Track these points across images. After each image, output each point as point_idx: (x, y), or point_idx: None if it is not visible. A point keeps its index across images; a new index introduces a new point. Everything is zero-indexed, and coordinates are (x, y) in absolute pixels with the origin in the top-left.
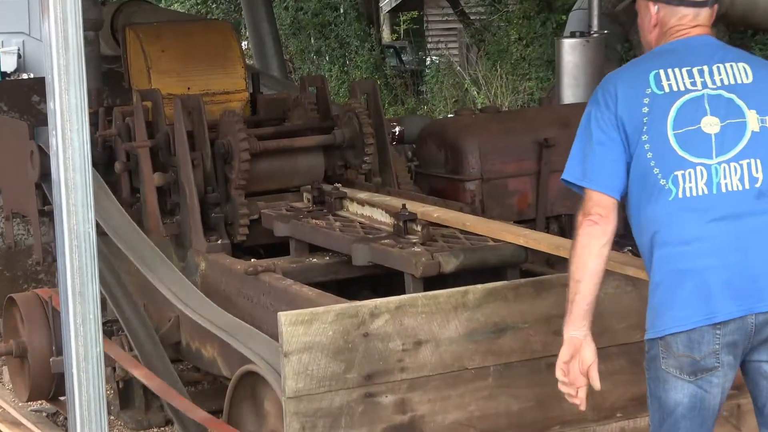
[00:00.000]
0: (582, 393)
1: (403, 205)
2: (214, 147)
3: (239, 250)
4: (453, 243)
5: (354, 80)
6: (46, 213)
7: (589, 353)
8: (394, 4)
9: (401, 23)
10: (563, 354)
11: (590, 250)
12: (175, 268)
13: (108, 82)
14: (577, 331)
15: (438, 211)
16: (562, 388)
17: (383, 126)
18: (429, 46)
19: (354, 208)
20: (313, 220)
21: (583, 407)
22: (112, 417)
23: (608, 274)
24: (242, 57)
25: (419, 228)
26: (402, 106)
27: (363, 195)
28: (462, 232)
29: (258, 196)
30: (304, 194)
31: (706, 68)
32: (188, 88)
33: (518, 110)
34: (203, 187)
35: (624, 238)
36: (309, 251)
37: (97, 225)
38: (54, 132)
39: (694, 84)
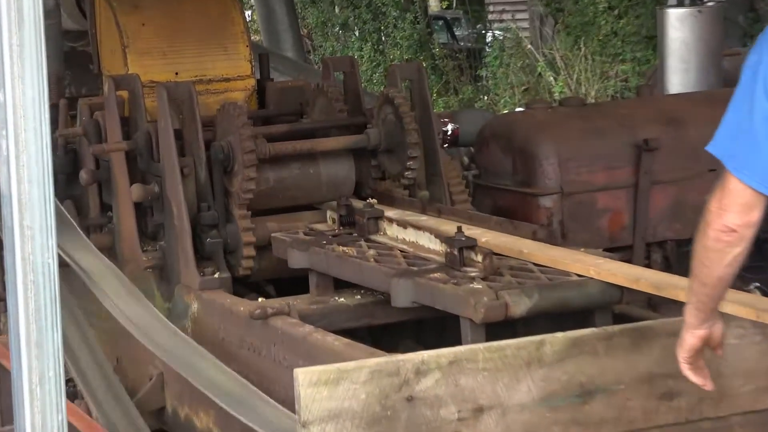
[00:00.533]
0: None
1: (459, 228)
2: (211, 151)
3: (243, 286)
4: (524, 278)
5: (393, 63)
6: None
7: (720, 329)
8: None
9: None
10: (689, 347)
11: (722, 259)
12: (157, 310)
13: (71, 66)
14: (704, 325)
15: (487, 234)
16: (693, 378)
17: (431, 123)
18: (490, 17)
19: (393, 231)
20: (340, 248)
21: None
22: None
23: (728, 318)
24: (246, 32)
25: (480, 258)
26: (456, 96)
27: (405, 214)
28: (537, 264)
29: (267, 215)
30: (328, 213)
31: None
32: (176, 74)
33: (609, 102)
34: (196, 204)
35: (750, 272)
36: (334, 288)
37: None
38: (4, 132)
39: None
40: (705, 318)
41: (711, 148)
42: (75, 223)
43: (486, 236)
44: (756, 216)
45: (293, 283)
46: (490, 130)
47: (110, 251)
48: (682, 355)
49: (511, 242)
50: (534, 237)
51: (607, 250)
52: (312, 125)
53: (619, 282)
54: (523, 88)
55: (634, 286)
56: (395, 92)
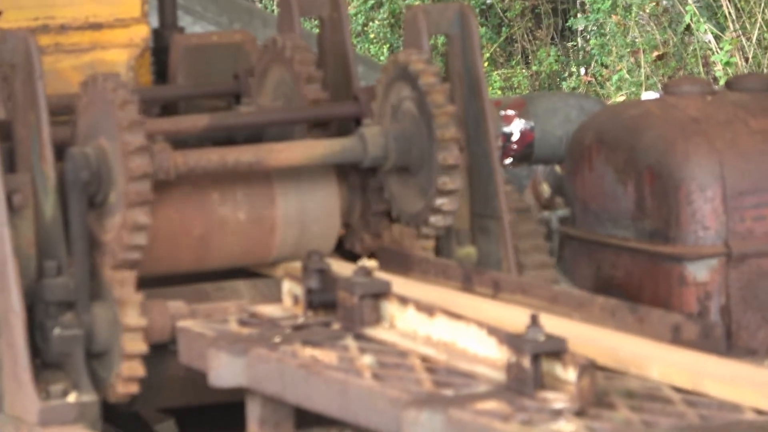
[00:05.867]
0: None
1: (533, 318)
2: (65, 163)
3: (122, 419)
4: (656, 414)
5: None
6: None
7: None
8: None
9: None
10: None
11: None
12: None
13: None
14: None
15: (585, 331)
16: None
17: (485, 118)
18: None
19: (409, 320)
20: (308, 349)
21: None
22: None
23: None
24: None
25: (571, 374)
26: (526, 66)
27: (432, 291)
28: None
29: (168, 286)
30: (285, 285)
31: None
32: None
33: None
34: (35, 263)
35: None
36: (296, 428)
37: None
38: None
39: None
40: None
41: None
42: None
43: (583, 334)
44: None
45: (215, 415)
46: (593, 134)
47: None
48: None
49: (631, 346)
50: (675, 338)
51: None
52: (257, 117)
53: None
54: (656, 54)
55: None
56: (417, 58)
